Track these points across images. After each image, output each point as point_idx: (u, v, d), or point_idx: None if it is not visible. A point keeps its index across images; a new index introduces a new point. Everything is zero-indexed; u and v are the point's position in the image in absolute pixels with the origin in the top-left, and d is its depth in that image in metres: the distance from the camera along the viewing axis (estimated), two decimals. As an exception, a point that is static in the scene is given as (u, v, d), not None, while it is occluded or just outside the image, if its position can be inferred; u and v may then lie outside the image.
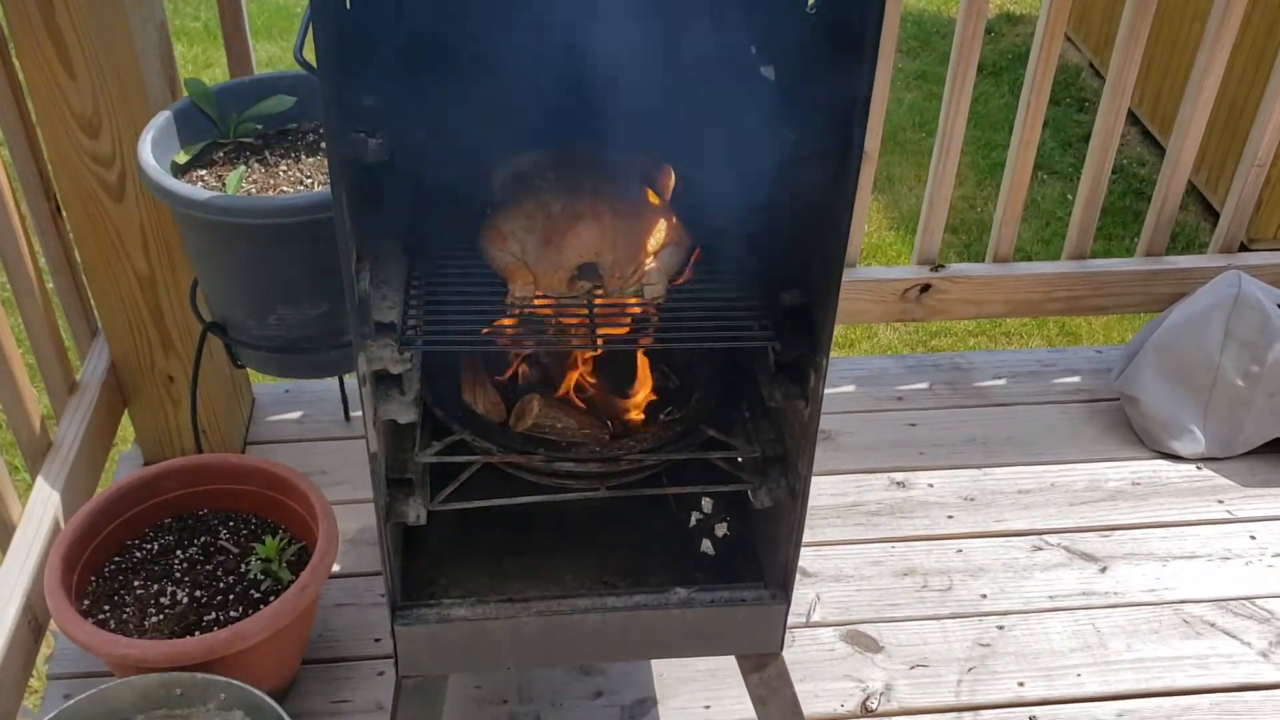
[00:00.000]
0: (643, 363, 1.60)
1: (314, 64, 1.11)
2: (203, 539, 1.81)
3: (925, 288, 2.41)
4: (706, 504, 1.63)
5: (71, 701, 1.52)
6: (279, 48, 4.97)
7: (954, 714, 1.83)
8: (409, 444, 1.46)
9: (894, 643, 1.93)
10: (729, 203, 1.55)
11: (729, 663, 1.62)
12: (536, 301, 1.42)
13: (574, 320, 1.44)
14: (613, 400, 1.58)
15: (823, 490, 2.19)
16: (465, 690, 1.82)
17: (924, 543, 2.12)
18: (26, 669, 1.69)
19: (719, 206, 1.54)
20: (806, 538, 1.49)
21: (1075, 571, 2.06)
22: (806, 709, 1.65)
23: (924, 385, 2.48)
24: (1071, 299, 2.48)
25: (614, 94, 1.33)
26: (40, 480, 1.84)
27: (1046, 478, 2.26)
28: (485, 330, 1.43)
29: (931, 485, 2.23)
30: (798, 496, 1.42)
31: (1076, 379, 2.51)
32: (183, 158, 1.76)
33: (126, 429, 2.18)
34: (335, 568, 1.90)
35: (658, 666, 1.86)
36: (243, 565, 1.76)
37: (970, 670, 1.89)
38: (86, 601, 1.70)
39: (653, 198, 1.49)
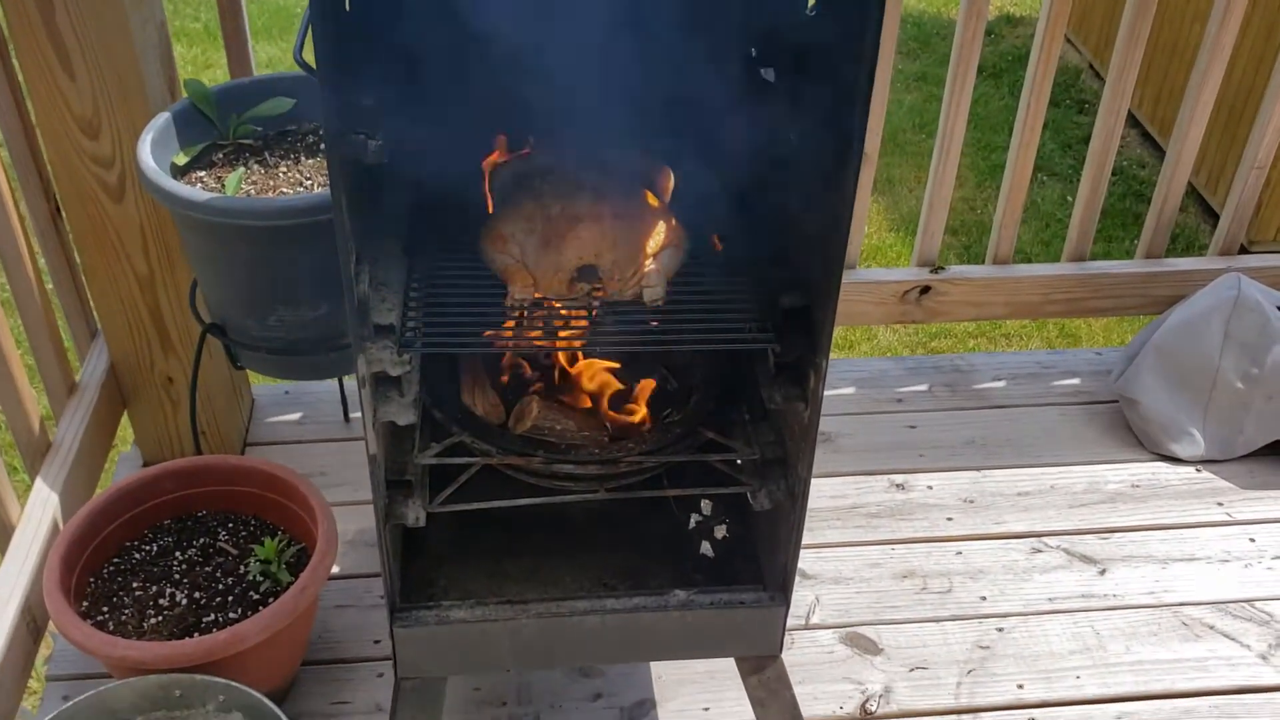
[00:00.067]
0: (644, 385, 1.60)
1: (314, 65, 1.11)
2: (202, 540, 1.81)
3: (925, 289, 2.41)
4: (706, 506, 1.63)
5: (70, 703, 1.52)
6: (279, 49, 4.97)
7: (953, 716, 1.82)
8: (408, 446, 1.46)
9: (893, 645, 1.92)
10: (728, 204, 1.55)
11: (728, 665, 1.62)
12: (536, 303, 1.42)
13: (573, 322, 1.44)
14: (611, 403, 1.58)
15: (822, 492, 2.19)
16: (464, 692, 1.82)
17: (923, 545, 2.11)
18: (25, 670, 1.69)
19: (718, 208, 1.54)
20: (806, 540, 1.49)
21: (1074, 574, 2.06)
22: (806, 711, 1.65)
23: (924, 387, 2.48)
24: (1071, 301, 2.48)
25: (614, 95, 1.33)
26: (39, 481, 1.84)
27: (1046, 480, 2.26)
28: (485, 332, 1.43)
29: (931, 487, 2.23)
30: (797, 498, 1.42)
31: (1076, 381, 2.51)
32: (182, 159, 1.76)
33: (126, 430, 2.17)
34: (335, 569, 1.90)
35: (657, 668, 1.86)
36: (242, 567, 1.76)
37: (969, 672, 1.89)
38: (85, 603, 1.70)
39: (652, 199, 1.49)
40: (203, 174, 1.73)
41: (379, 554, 1.41)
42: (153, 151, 1.66)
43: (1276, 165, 2.68)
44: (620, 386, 1.60)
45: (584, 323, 1.42)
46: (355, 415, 2.30)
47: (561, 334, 1.46)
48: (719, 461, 1.51)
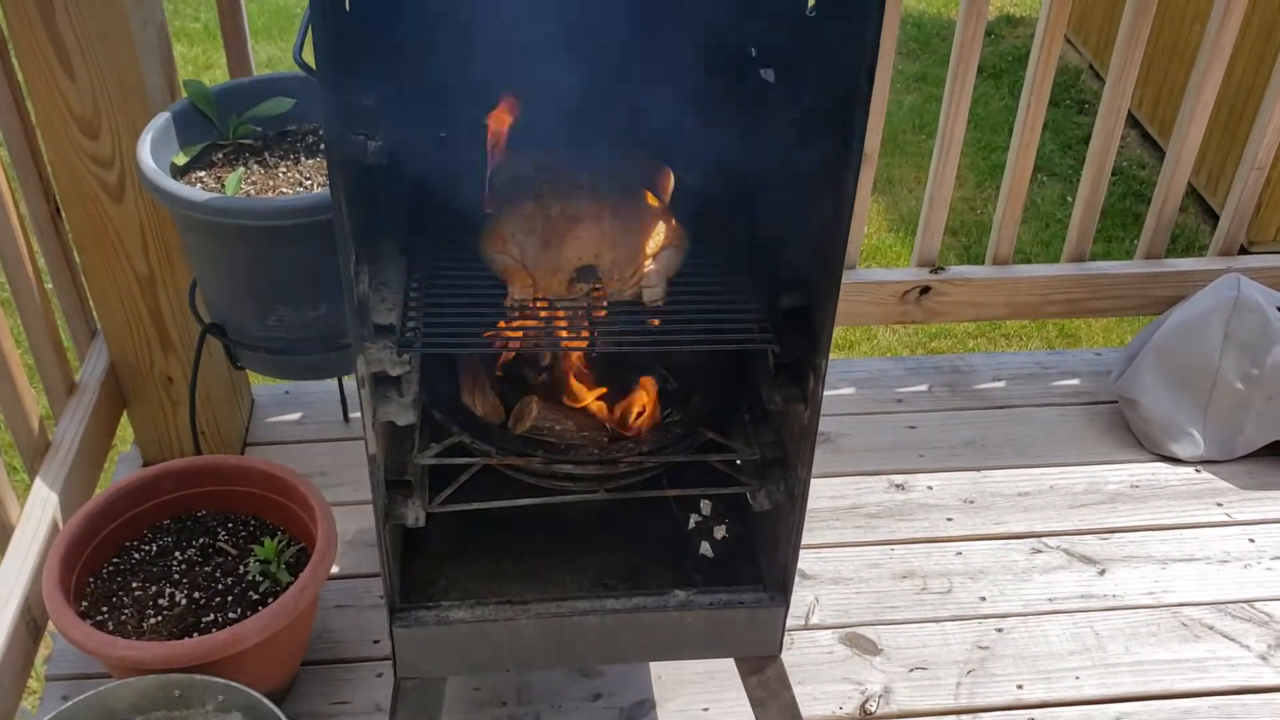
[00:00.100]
0: (645, 386, 1.60)
1: (313, 65, 1.11)
2: (201, 540, 1.81)
3: (925, 290, 2.41)
4: (705, 506, 1.63)
5: (70, 703, 1.52)
6: (279, 49, 4.97)
7: (953, 716, 1.82)
8: (408, 446, 1.46)
9: (893, 645, 1.92)
10: (728, 204, 1.55)
11: (727, 665, 1.62)
12: (536, 304, 1.42)
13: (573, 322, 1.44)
14: (610, 405, 1.58)
15: (822, 493, 2.19)
16: (464, 692, 1.82)
17: (923, 545, 2.11)
18: (25, 670, 1.69)
19: (718, 208, 1.54)
20: (805, 540, 1.49)
21: (1074, 574, 2.06)
22: (805, 711, 1.65)
23: (923, 387, 2.48)
24: (1071, 301, 2.48)
25: (614, 96, 1.33)
26: (39, 481, 1.84)
27: (1045, 480, 2.26)
28: (485, 333, 1.43)
29: (931, 487, 2.23)
30: (797, 499, 1.42)
31: (1076, 381, 2.51)
32: (182, 159, 1.76)
33: (125, 430, 2.17)
34: (334, 569, 1.90)
35: (656, 669, 1.86)
36: (241, 567, 1.76)
37: (969, 673, 1.89)
38: (85, 603, 1.70)
39: (652, 200, 1.49)
40: (202, 174, 1.73)
41: (379, 554, 1.41)
42: (152, 151, 1.66)
43: (1276, 166, 2.68)
44: (622, 387, 1.60)
45: (584, 323, 1.42)
46: (355, 415, 2.30)
47: (561, 334, 1.46)
48: (719, 462, 1.51)
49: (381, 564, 1.41)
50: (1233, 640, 1.95)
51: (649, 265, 1.42)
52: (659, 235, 1.44)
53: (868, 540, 2.12)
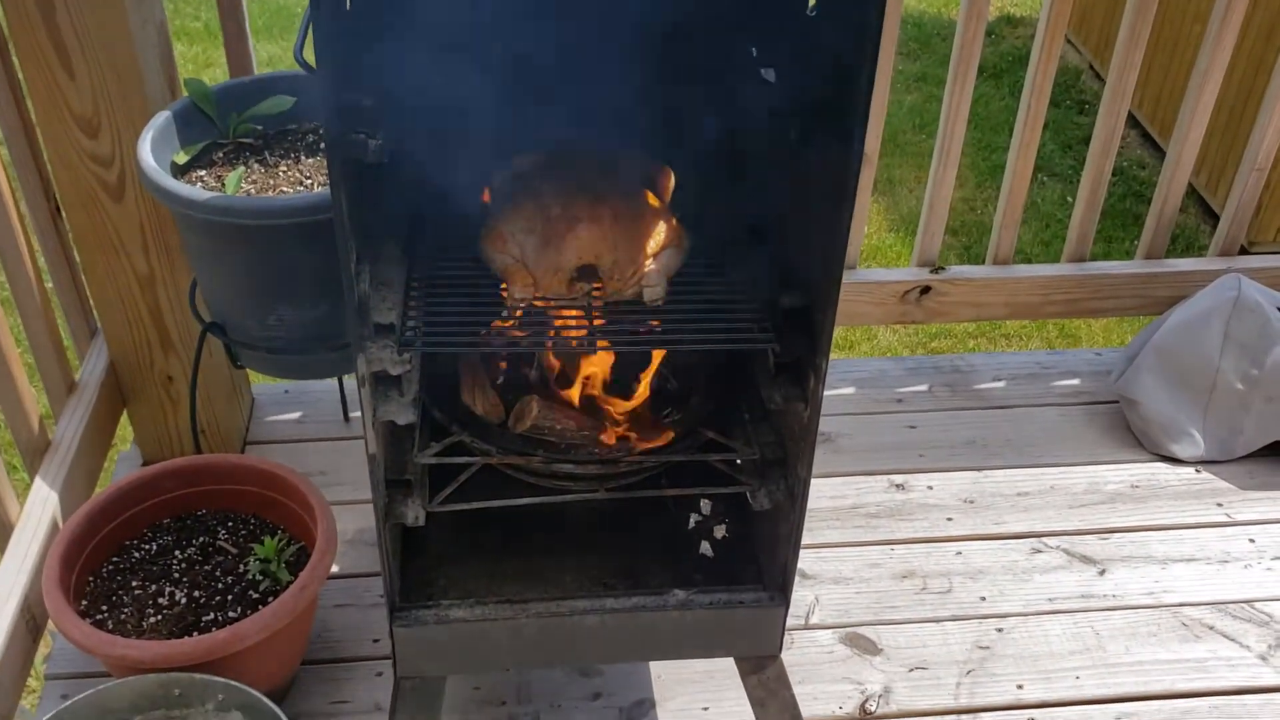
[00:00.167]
0: (643, 386, 1.60)
1: (314, 64, 1.11)
2: (201, 539, 1.81)
3: (925, 290, 2.41)
4: (705, 506, 1.63)
5: (69, 702, 1.52)
6: (279, 48, 4.97)
7: (953, 716, 1.82)
8: (408, 445, 1.46)
9: (893, 645, 1.92)
10: (729, 204, 1.55)
11: (727, 664, 1.62)
12: (536, 303, 1.42)
13: (573, 322, 1.44)
14: (611, 402, 1.58)
15: (822, 492, 2.19)
16: (464, 691, 1.82)
17: (923, 545, 2.11)
18: (24, 669, 1.69)
19: (719, 208, 1.54)
20: (805, 540, 1.49)
21: (1074, 574, 2.06)
22: (805, 711, 1.65)
23: (923, 387, 2.48)
24: (1071, 301, 2.48)
25: (615, 95, 1.33)
26: (39, 480, 1.84)
27: (1046, 480, 2.26)
28: (484, 332, 1.43)
29: (931, 487, 2.23)
30: (797, 498, 1.42)
31: (1076, 381, 2.51)
32: (182, 158, 1.76)
33: (125, 429, 2.17)
34: (334, 568, 1.90)
35: (656, 668, 1.86)
36: (241, 565, 1.76)
37: (969, 673, 1.89)
38: (84, 601, 1.70)
39: (652, 199, 1.49)
40: (203, 173, 1.73)
41: (378, 553, 1.41)
42: (153, 150, 1.66)
43: (1277, 166, 2.68)
44: (622, 386, 1.60)
45: (583, 323, 1.42)
46: (355, 414, 2.30)
47: (561, 334, 1.46)
48: (719, 461, 1.51)
49: (381, 563, 1.41)
50: (1233, 640, 1.95)
51: (649, 265, 1.42)
52: (659, 235, 1.44)
53: (868, 540, 2.12)
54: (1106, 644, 1.94)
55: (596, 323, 1.42)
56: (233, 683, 1.52)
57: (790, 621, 1.71)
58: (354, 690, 1.81)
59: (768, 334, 1.39)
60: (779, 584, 1.51)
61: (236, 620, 1.64)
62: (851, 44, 1.15)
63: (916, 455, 2.30)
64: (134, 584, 1.73)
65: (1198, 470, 2.29)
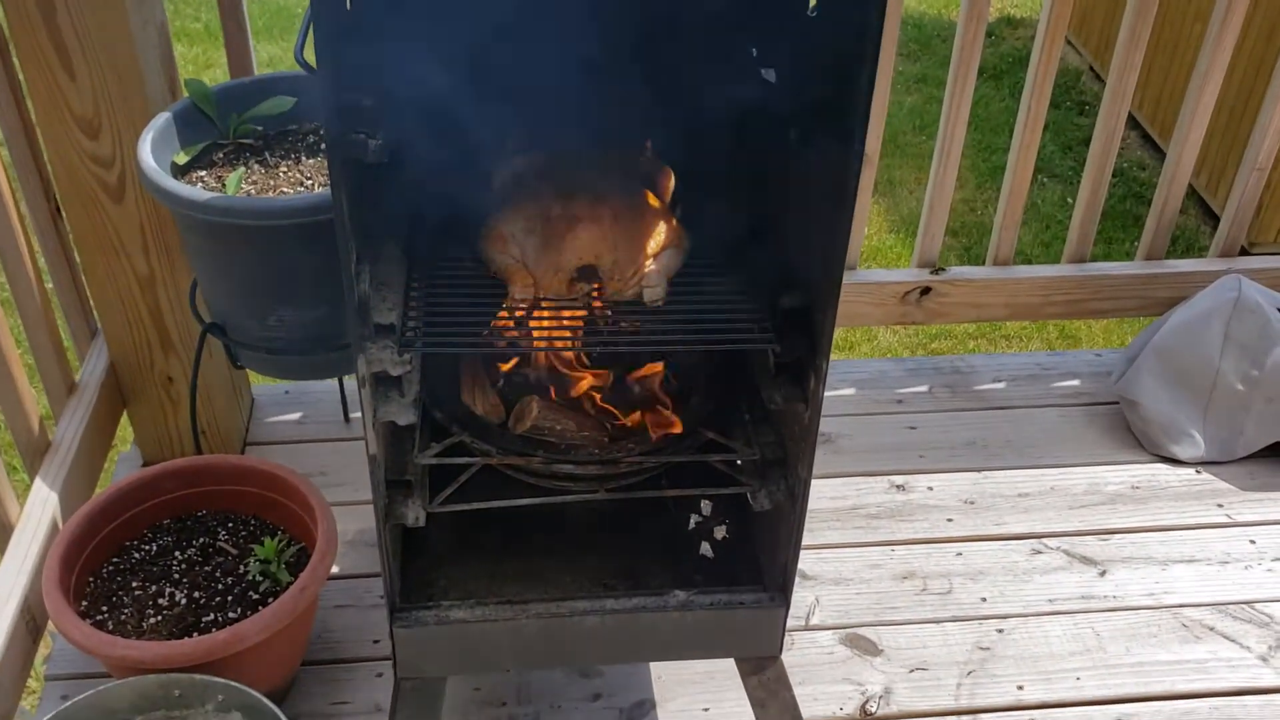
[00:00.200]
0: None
1: (314, 65, 1.11)
2: (201, 540, 1.81)
3: (925, 291, 2.41)
4: (706, 506, 1.63)
5: (69, 703, 1.51)
6: (280, 48, 4.98)
7: (953, 717, 1.82)
8: (408, 445, 1.46)
9: (893, 646, 1.92)
10: (729, 205, 1.55)
11: (728, 665, 1.62)
12: (536, 304, 1.42)
13: (573, 322, 1.44)
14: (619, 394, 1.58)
15: (822, 493, 2.19)
16: (464, 692, 1.82)
17: (923, 546, 2.11)
18: (24, 670, 1.69)
19: (719, 208, 1.54)
20: (806, 541, 1.49)
21: (1074, 575, 2.06)
22: (805, 712, 1.65)
23: (924, 388, 2.48)
24: (1071, 302, 2.48)
25: (615, 95, 1.33)
26: (39, 481, 1.84)
27: (1046, 481, 2.26)
28: (485, 333, 1.43)
29: (931, 488, 2.23)
30: (797, 499, 1.42)
31: (1076, 382, 2.51)
32: (183, 158, 1.76)
33: (125, 430, 2.17)
34: (334, 569, 1.90)
35: (656, 669, 1.86)
36: (241, 566, 1.76)
37: (969, 674, 1.89)
38: (85, 602, 1.70)
39: (652, 200, 1.49)
40: (203, 173, 1.73)
41: (379, 554, 1.41)
42: (153, 151, 1.66)
43: (1277, 167, 2.68)
44: (622, 386, 1.60)
45: (581, 323, 1.42)
46: (355, 415, 2.30)
47: (561, 334, 1.46)
48: (719, 462, 1.51)
49: (382, 564, 1.41)
50: (1233, 641, 1.95)
51: (649, 265, 1.42)
52: (660, 235, 1.44)
53: (868, 541, 2.12)
54: (1107, 645, 1.94)
55: (597, 320, 1.42)
56: (233, 683, 1.52)
57: (791, 622, 1.71)
58: (354, 691, 1.81)
59: (768, 334, 1.39)
60: (779, 585, 1.51)
61: (237, 621, 1.64)
62: (852, 45, 1.15)
63: (917, 456, 2.30)
64: (134, 585, 1.73)
65: (1198, 471, 2.28)
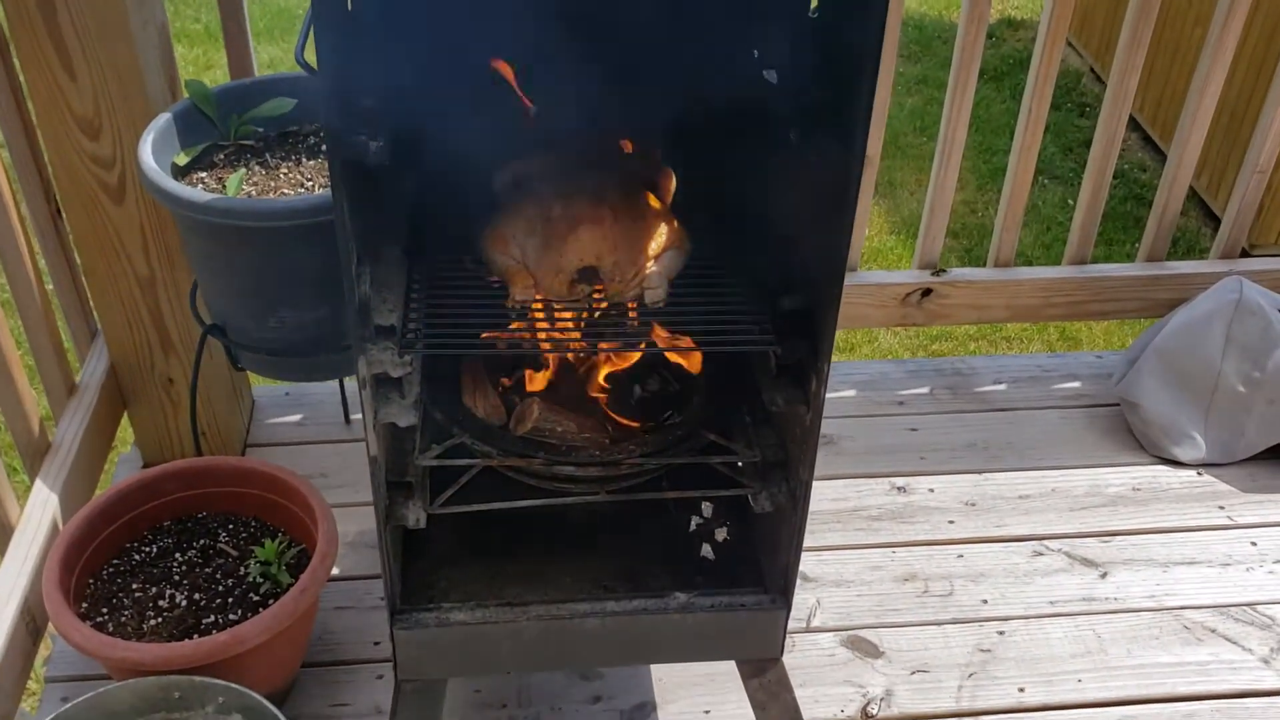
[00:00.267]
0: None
1: (315, 66, 1.10)
2: (202, 542, 1.81)
3: (926, 292, 2.41)
4: (706, 508, 1.63)
5: (69, 704, 1.51)
6: (280, 49, 4.98)
7: (954, 719, 1.82)
8: (409, 447, 1.46)
9: (894, 648, 1.92)
10: (730, 206, 1.55)
11: (729, 668, 1.62)
12: (536, 305, 1.42)
13: (573, 323, 1.44)
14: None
15: (823, 495, 2.19)
16: (465, 694, 1.81)
17: (925, 548, 2.11)
18: (24, 671, 1.68)
19: (720, 210, 1.54)
20: (807, 543, 1.49)
21: (1076, 577, 2.06)
22: (806, 714, 1.65)
23: (925, 390, 2.48)
24: (1072, 304, 2.48)
25: (616, 96, 1.33)
26: (39, 482, 1.84)
27: (1047, 483, 2.25)
28: (485, 334, 1.43)
29: (932, 490, 2.23)
30: (798, 501, 1.42)
31: (1077, 384, 2.50)
32: (183, 160, 1.76)
33: (126, 431, 2.17)
34: (335, 571, 1.90)
35: (657, 671, 1.86)
36: (242, 568, 1.75)
37: (971, 676, 1.88)
38: (85, 604, 1.70)
39: (653, 201, 1.49)
40: (204, 175, 1.73)
41: (379, 555, 1.41)
42: (153, 152, 1.66)
43: (1278, 169, 2.68)
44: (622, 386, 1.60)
45: (584, 324, 1.42)
46: (356, 417, 2.30)
47: (562, 335, 1.45)
48: (720, 464, 1.51)
49: (382, 565, 1.41)
50: (1235, 643, 1.95)
51: (650, 267, 1.42)
52: (661, 237, 1.44)
53: (869, 543, 2.11)
54: (1108, 647, 1.94)
55: (598, 320, 1.41)
56: (233, 685, 1.52)
57: (791, 624, 1.71)
58: (354, 693, 1.81)
59: (769, 336, 1.39)
60: (780, 587, 1.51)
61: (237, 623, 1.64)
62: (853, 46, 1.15)
63: (918, 458, 2.30)
64: (134, 586, 1.73)
65: (1199, 473, 2.28)
